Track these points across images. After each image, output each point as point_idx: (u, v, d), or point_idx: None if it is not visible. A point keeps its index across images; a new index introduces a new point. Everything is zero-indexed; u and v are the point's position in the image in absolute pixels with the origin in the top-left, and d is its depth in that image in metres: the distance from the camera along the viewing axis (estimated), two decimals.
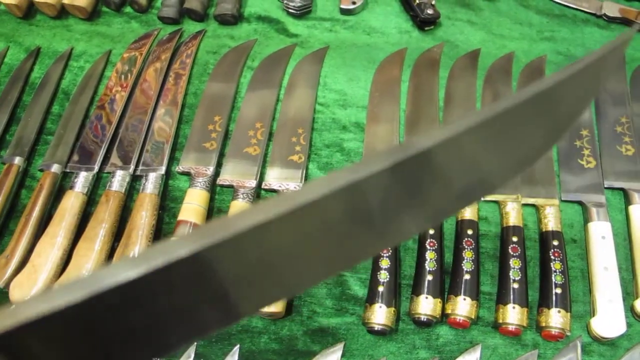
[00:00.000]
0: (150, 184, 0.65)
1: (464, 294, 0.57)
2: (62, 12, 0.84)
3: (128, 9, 0.85)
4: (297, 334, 0.58)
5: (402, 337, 0.58)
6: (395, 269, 0.58)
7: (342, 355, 0.57)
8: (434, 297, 0.57)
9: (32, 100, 0.75)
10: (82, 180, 0.66)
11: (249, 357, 0.57)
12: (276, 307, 0.55)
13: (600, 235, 0.62)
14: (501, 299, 0.58)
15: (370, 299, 0.57)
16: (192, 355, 0.57)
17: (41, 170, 0.68)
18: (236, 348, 0.57)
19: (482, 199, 0.65)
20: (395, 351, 0.57)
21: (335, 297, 0.60)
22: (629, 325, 0.58)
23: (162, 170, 0.66)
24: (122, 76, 0.76)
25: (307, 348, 0.57)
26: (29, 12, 0.84)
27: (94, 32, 0.82)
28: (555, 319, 0.56)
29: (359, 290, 0.60)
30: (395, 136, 0.68)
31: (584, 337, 0.58)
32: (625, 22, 0.81)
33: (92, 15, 0.84)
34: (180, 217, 0.62)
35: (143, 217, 0.64)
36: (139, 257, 0.13)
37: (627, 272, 0.61)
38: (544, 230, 0.62)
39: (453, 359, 0.57)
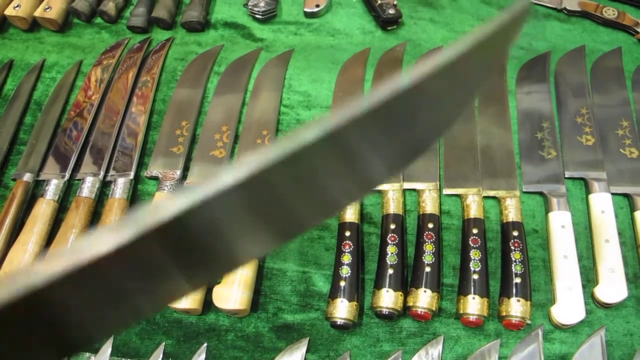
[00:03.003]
0: (119, 189, 0.66)
1: (425, 287, 0.58)
2: (34, 25, 0.86)
3: (98, 20, 0.86)
4: (262, 331, 0.59)
5: (366, 330, 0.59)
6: (357, 264, 0.59)
7: (307, 351, 0.58)
8: (395, 290, 0.58)
9: (5, 111, 0.76)
10: (53, 187, 0.67)
11: (216, 355, 0.58)
12: (241, 305, 0.56)
13: (560, 224, 0.63)
14: (462, 290, 0.59)
15: (333, 294, 0.58)
16: (161, 355, 0.58)
17: (14, 180, 0.69)
18: (204, 347, 0.58)
19: (444, 193, 0.66)
20: (360, 345, 0.58)
21: (300, 294, 0.61)
22: (589, 312, 0.59)
23: (131, 175, 0.68)
24: (93, 85, 0.77)
25: (272, 345, 0.58)
26: (2, 26, 0.86)
27: (66, 43, 0.84)
28: (516, 307, 0.57)
29: (323, 286, 0.61)
30: None
31: (546, 325, 0.59)
32: (585, 15, 0.82)
33: (63, 27, 0.85)
34: None
35: (112, 221, 0.65)
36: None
37: (588, 260, 0.62)
38: (504, 221, 0.63)
39: (416, 351, 0.58)
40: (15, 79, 0.80)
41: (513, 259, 0.60)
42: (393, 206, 0.63)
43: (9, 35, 0.85)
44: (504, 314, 0.57)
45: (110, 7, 0.84)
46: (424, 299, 0.57)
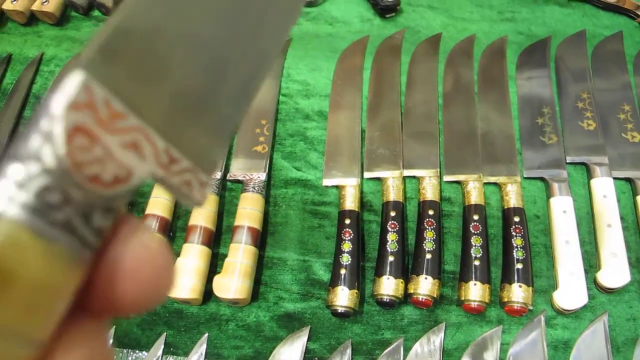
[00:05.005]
0: None
1: (426, 273, 0.58)
2: (32, 19, 0.85)
3: (96, 13, 0.86)
4: (263, 320, 0.59)
5: (367, 318, 0.59)
6: (358, 252, 0.59)
7: (309, 339, 0.58)
8: (396, 277, 0.57)
9: (4, 105, 0.76)
10: None
11: (217, 344, 0.58)
12: (241, 294, 0.56)
13: (562, 209, 0.62)
14: (463, 277, 0.59)
15: (333, 282, 0.58)
16: (162, 346, 0.58)
17: None
18: (205, 337, 0.58)
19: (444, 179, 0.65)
20: (361, 333, 0.58)
21: (301, 283, 0.60)
22: (591, 297, 0.59)
23: None
24: None
25: (273, 334, 0.58)
26: (0, 21, 0.85)
27: (64, 36, 0.84)
28: (517, 293, 0.57)
29: (324, 275, 0.61)
30: (357, 122, 0.69)
31: (548, 311, 0.59)
32: None
33: (61, 20, 0.85)
34: (148, 211, 0.63)
35: None
36: None
37: (590, 245, 0.62)
38: (505, 207, 0.63)
39: (418, 339, 0.57)
40: (14, 73, 0.80)
41: (514, 244, 0.59)
42: (393, 193, 0.63)
43: (7, 30, 0.85)
44: (505, 300, 0.57)
45: None
46: (424, 286, 0.57)
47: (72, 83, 0.13)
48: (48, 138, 0.12)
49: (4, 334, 0.12)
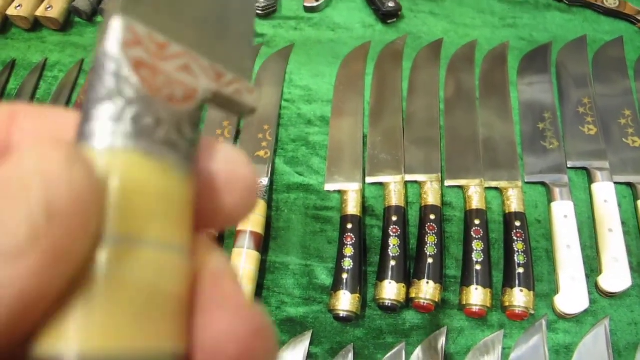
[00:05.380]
0: None
1: (427, 278, 0.58)
2: (36, 25, 0.86)
3: (100, 19, 0.87)
4: None
5: (369, 323, 0.59)
6: (360, 257, 0.59)
7: (311, 343, 0.58)
8: (398, 282, 0.58)
9: None
10: None
11: None
12: None
13: (563, 214, 0.62)
14: (465, 281, 0.59)
15: (335, 286, 0.58)
16: None
17: None
18: None
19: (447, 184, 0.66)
20: (363, 337, 0.58)
21: (303, 287, 0.61)
22: (593, 301, 0.59)
23: None
24: None
25: (276, 338, 0.58)
26: (4, 27, 0.86)
27: (67, 42, 0.84)
28: (519, 298, 0.57)
29: (326, 279, 0.61)
30: (359, 127, 0.70)
31: (550, 315, 0.59)
32: (586, 4, 0.82)
33: (65, 26, 0.85)
34: None
35: None
36: None
37: (591, 249, 0.62)
38: (507, 212, 0.63)
39: (420, 343, 0.58)
40: (18, 78, 0.81)
41: (516, 249, 0.60)
42: (395, 198, 0.63)
43: (11, 35, 0.86)
44: (507, 304, 0.57)
45: None
46: (426, 290, 0.57)
47: (117, 27, 0.14)
48: (119, 76, 0.14)
49: (159, 246, 0.13)
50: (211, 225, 0.16)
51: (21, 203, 0.11)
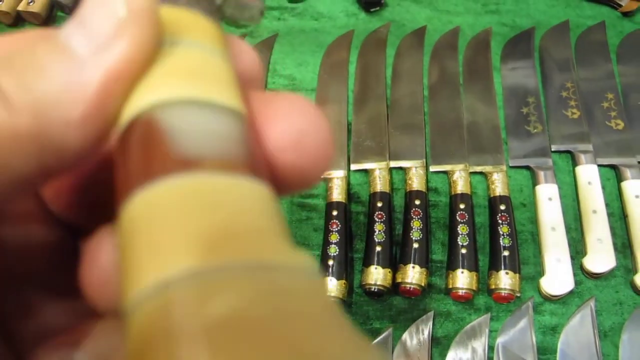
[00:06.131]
0: None
1: (413, 262, 0.58)
2: (18, 19, 0.85)
3: None
4: None
5: (356, 308, 0.59)
6: (345, 243, 0.59)
7: None
8: (384, 267, 0.58)
9: None
10: None
11: None
12: None
13: (547, 197, 0.63)
14: (451, 265, 0.59)
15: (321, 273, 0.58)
16: None
17: None
18: None
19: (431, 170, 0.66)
20: (350, 323, 0.58)
21: None
22: (578, 283, 0.59)
23: None
24: None
25: None
26: None
27: None
28: (504, 280, 0.57)
29: None
30: (343, 115, 0.70)
31: (536, 298, 0.59)
32: None
33: (47, 20, 0.85)
34: None
35: None
36: None
37: (576, 231, 0.62)
38: (492, 196, 0.63)
39: (407, 328, 0.58)
40: None
41: (501, 232, 0.60)
42: (380, 184, 0.63)
43: None
44: (493, 287, 0.58)
45: None
46: (412, 275, 0.57)
47: None
48: None
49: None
50: (286, 190, 0.15)
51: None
